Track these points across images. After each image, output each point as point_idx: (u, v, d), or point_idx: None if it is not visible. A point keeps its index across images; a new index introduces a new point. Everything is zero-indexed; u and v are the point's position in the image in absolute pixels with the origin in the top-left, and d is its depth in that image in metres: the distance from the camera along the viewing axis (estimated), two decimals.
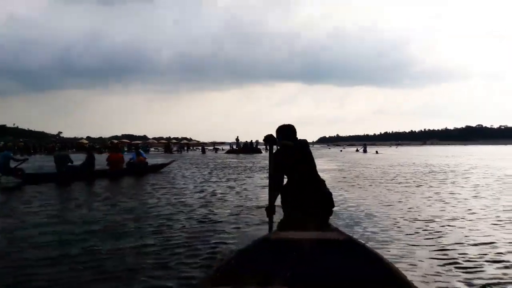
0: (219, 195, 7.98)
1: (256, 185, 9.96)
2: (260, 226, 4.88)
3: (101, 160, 15.18)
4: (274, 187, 3.23)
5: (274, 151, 3.25)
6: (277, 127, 3.38)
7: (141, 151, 15.72)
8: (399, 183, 10.27)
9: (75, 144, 50.54)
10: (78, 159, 13.98)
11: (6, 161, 11.56)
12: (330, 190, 3.29)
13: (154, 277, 3.19)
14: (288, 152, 3.23)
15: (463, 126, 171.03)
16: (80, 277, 3.20)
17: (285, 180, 3.32)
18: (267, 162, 3.28)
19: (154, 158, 24.65)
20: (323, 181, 3.32)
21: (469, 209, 6.15)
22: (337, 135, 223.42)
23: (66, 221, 5.41)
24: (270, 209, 3.19)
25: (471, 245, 4.07)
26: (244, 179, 11.49)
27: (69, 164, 11.85)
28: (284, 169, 3.26)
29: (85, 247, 4.04)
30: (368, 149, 40.65)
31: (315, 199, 3.16)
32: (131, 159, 14.06)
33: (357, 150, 46.41)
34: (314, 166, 3.30)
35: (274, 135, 3.31)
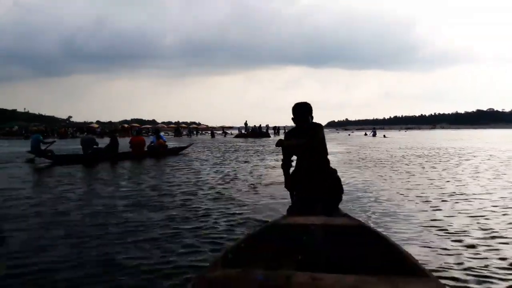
0: (234, 175, 8.64)
1: (267, 166, 10.61)
2: (271, 202, 5.53)
3: (125, 142, 15.97)
4: (286, 168, 3.41)
5: (285, 131, 3.55)
6: (291, 106, 3.27)
7: (162, 135, 16.51)
8: (403, 164, 10.83)
9: (85, 128, 51.46)
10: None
11: (37, 143, 12.49)
12: (338, 173, 3.37)
13: (181, 245, 3.84)
14: (300, 134, 3.23)
15: (474, 110, 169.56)
16: (121, 242, 3.87)
17: (294, 164, 3.40)
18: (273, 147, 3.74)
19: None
20: (333, 168, 3.37)
21: (465, 187, 6.73)
22: (346, 119, 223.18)
23: (97, 197, 6.06)
24: (288, 185, 3.41)
25: (464, 216, 4.67)
26: (256, 162, 12.15)
27: (95, 146, 12.62)
28: (294, 151, 3.33)
29: (119, 218, 4.65)
30: (378, 133, 41.00)
31: (324, 185, 3.21)
32: (152, 142, 14.83)
33: (365, 134, 46.87)
34: (326, 151, 3.32)
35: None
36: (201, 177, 8.28)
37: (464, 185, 7.01)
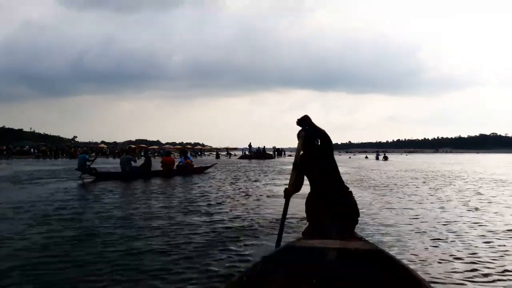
0: (250, 189, 10.49)
1: (275, 184, 12.46)
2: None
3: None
4: (296, 171, 3.42)
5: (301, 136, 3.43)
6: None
7: (189, 155, 18.81)
8: (391, 184, 12.65)
9: (94, 148, 53.61)
10: (101, 162, 16.65)
11: (83, 162, 14.51)
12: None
13: (203, 245, 5.59)
14: (314, 156, 3.39)
15: (477, 134, 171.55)
16: (165, 240, 5.66)
17: (309, 189, 3.49)
18: (282, 167, 5.20)
19: None
20: (349, 190, 3.42)
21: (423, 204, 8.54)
22: (349, 142, 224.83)
23: (134, 207, 7.75)
24: (288, 190, 3.39)
25: (439, 222, 6.49)
26: (265, 180, 14.02)
27: (132, 165, 14.59)
28: (308, 174, 3.46)
29: (156, 223, 6.21)
30: (380, 156, 42.91)
31: (340, 208, 3.24)
32: (180, 162, 16.98)
33: (366, 157, 48.95)
34: (339, 174, 3.41)
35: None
36: (224, 191, 10.14)
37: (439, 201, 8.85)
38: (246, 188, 10.97)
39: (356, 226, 3.37)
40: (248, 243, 4.69)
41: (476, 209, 7.36)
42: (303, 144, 3.42)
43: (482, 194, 9.71)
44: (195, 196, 9.06)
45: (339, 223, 3.14)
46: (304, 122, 3.35)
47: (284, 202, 3.39)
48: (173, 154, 25.21)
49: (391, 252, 3.00)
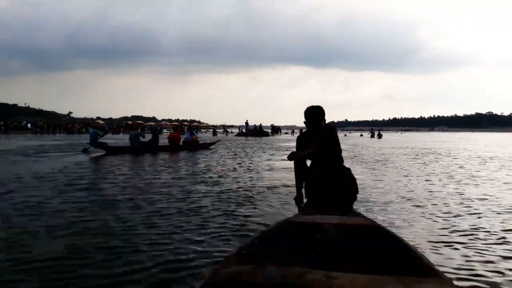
0: (250, 164, 11.22)
1: (275, 159, 13.20)
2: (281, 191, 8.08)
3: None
4: (299, 175, 3.38)
5: (298, 135, 3.42)
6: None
7: (194, 132, 19.73)
8: (381, 160, 13.44)
9: (92, 124, 54.01)
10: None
11: (95, 136, 15.25)
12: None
13: (211, 209, 6.33)
14: (314, 136, 3.33)
15: (473, 113, 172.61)
16: (169, 207, 6.39)
17: (309, 163, 3.48)
18: (279, 144, 5.71)
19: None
20: (347, 168, 3.45)
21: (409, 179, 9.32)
22: (346, 120, 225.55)
23: (143, 178, 8.44)
24: (298, 198, 3.35)
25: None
26: (264, 156, 14.76)
27: (141, 140, 15.53)
28: (309, 154, 3.40)
29: (169, 190, 7.06)
30: (375, 134, 43.78)
31: (339, 184, 3.27)
32: (186, 138, 17.84)
33: (361, 135, 49.91)
34: (340, 151, 3.41)
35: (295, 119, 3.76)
36: (227, 165, 10.88)
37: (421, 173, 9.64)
38: (247, 163, 11.71)
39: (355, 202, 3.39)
40: (249, 207, 5.43)
41: (458, 182, 8.14)
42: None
43: (465, 169, 10.51)
44: (200, 169, 9.79)
45: (337, 199, 3.20)
46: (319, 119, 3.30)
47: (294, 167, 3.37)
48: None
49: (391, 229, 3.04)
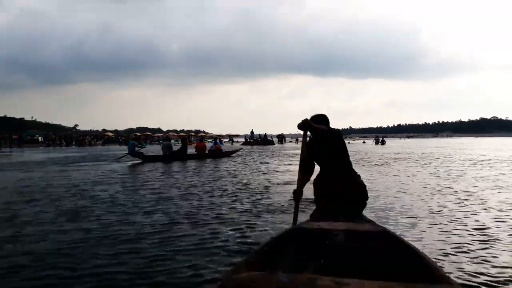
0: (263, 167, 13.15)
1: (285, 164, 15.12)
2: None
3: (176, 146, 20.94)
4: (304, 171, 3.34)
5: (307, 139, 3.32)
6: (310, 116, 3.46)
7: (218, 141, 22.39)
8: (377, 164, 15.32)
9: (131, 137, 56.75)
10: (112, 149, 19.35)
11: (133, 147, 17.91)
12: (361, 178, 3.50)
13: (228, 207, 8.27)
14: (322, 140, 3.38)
15: (477, 118, 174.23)
16: (196, 205, 8.29)
17: (318, 170, 3.53)
18: (285, 151, 7.07)
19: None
20: (357, 174, 3.47)
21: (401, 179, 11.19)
22: (350, 127, 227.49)
23: (175, 182, 10.43)
24: (297, 193, 3.28)
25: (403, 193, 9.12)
26: (274, 162, 16.71)
27: (172, 149, 18.15)
28: (316, 157, 3.47)
29: (189, 193, 8.98)
30: (378, 140, 45.87)
31: (348, 190, 3.30)
32: (211, 147, 20.24)
33: (363, 142, 51.97)
34: (348, 157, 3.47)
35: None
36: (252, 168, 12.82)
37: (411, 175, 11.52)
38: (262, 168, 13.63)
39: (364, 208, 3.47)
40: (260, 197, 7.29)
41: (446, 179, 10.01)
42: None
43: (452, 170, 12.36)
44: (223, 173, 11.74)
45: (347, 206, 3.22)
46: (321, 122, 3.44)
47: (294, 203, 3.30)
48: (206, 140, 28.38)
49: (401, 236, 3.02)
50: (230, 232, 4.59)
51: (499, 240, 4.15)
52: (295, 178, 3.55)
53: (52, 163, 17.32)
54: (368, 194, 3.47)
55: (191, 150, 19.94)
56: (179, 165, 15.04)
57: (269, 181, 9.50)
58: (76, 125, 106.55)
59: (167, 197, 7.27)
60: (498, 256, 3.65)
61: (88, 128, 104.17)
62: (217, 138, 28.61)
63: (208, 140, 40.54)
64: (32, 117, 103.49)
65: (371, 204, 5.63)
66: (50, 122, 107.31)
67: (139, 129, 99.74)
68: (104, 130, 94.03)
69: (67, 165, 15.58)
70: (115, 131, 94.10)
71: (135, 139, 23.91)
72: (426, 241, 4.16)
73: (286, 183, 9.04)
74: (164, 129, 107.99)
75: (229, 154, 20.95)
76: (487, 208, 5.85)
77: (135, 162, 16.78)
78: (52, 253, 3.79)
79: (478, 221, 5.04)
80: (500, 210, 5.70)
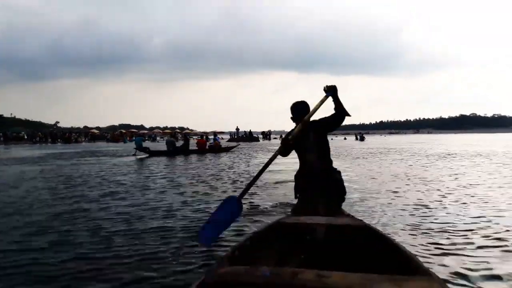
0: (251, 160, 14.98)
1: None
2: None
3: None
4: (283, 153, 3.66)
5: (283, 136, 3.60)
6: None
7: (217, 137, 24.95)
8: (355, 157, 17.35)
9: (88, 134, 57.33)
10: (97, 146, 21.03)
11: (140, 143, 20.50)
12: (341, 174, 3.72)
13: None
14: (310, 131, 3.53)
15: (457, 115, 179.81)
16: (199, 195, 10.09)
17: (298, 164, 3.73)
18: (269, 147, 8.49)
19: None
20: (337, 170, 3.67)
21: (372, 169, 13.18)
22: None
23: (178, 174, 12.19)
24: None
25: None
26: (259, 154, 18.59)
27: (175, 145, 20.42)
28: (299, 149, 3.67)
29: (192, 183, 10.85)
30: (358, 137, 48.61)
31: (329, 185, 3.46)
32: (211, 143, 22.70)
33: (345, 138, 54.76)
34: (328, 152, 3.64)
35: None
36: (246, 161, 14.64)
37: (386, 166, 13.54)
38: (250, 160, 15.46)
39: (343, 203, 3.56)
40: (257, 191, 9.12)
41: (406, 168, 12.01)
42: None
43: (415, 161, 14.42)
44: (223, 165, 13.56)
45: (326, 200, 3.32)
46: (305, 113, 3.56)
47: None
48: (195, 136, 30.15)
49: (379, 228, 3.12)
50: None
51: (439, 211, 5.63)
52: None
53: (53, 158, 18.85)
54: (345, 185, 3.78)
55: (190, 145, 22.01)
56: (182, 159, 16.94)
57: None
58: (57, 122, 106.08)
59: (180, 183, 9.05)
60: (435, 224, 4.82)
61: (69, 125, 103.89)
62: (217, 135, 30.74)
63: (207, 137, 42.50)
64: (11, 114, 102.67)
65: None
66: (30, 119, 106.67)
67: (122, 126, 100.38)
68: (86, 127, 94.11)
69: (70, 160, 17.13)
70: (97, 128, 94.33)
71: (141, 135, 26.78)
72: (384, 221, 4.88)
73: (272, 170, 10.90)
74: (147, 126, 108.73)
75: (227, 149, 22.89)
76: (429, 189, 7.79)
77: (142, 156, 18.85)
78: (111, 219, 5.53)
79: (420, 199, 6.74)
80: (438, 191, 7.66)
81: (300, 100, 3.75)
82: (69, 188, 8.25)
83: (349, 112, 3.66)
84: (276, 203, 6.08)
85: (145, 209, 5.88)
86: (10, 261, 3.59)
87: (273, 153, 3.56)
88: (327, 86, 3.43)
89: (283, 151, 3.63)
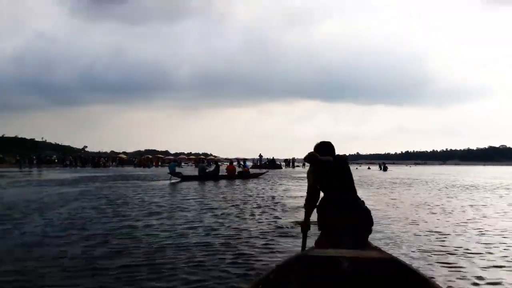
0: (278, 186, 15.66)
1: (294, 184, 17.65)
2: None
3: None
4: (310, 204, 3.49)
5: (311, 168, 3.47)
6: (315, 144, 3.55)
7: (247, 165, 26.78)
8: (376, 187, 17.78)
9: (116, 158, 59.44)
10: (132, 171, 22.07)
11: (174, 168, 21.78)
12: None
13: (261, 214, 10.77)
14: (326, 168, 3.40)
15: (486, 146, 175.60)
16: (232, 219, 10.79)
17: (322, 195, 3.56)
18: (292, 175, 9.06)
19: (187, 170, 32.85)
20: (361, 199, 3.51)
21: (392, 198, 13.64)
22: (357, 153, 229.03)
23: (210, 198, 12.89)
24: (305, 225, 3.47)
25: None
26: (286, 182, 19.30)
27: (206, 170, 21.90)
28: (321, 184, 3.51)
29: (224, 206, 11.57)
30: (382, 167, 48.67)
31: (353, 217, 3.31)
32: (240, 169, 23.95)
33: (368, 168, 54.83)
34: (353, 183, 3.50)
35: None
36: (274, 187, 15.36)
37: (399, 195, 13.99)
38: (275, 186, 16.15)
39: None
40: (283, 202, 9.78)
41: (426, 199, 12.44)
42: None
43: (438, 192, 14.77)
44: (250, 191, 14.33)
45: (352, 232, 3.22)
46: (328, 154, 3.46)
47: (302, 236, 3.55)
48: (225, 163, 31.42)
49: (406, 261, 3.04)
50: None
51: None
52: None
53: (88, 180, 20.05)
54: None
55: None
56: (212, 184, 17.99)
57: (283, 194, 12.03)
58: (85, 146, 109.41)
59: (213, 206, 9.83)
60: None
61: (96, 150, 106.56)
62: (245, 162, 31.95)
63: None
64: (42, 138, 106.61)
65: None
66: (60, 143, 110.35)
67: (147, 151, 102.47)
68: (113, 152, 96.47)
69: (104, 183, 18.25)
70: (124, 153, 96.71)
71: (175, 161, 30.21)
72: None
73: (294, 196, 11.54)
74: (172, 151, 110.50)
75: (256, 176, 23.80)
76: (448, 216, 8.29)
77: (175, 180, 19.98)
78: (156, 234, 6.32)
79: (438, 227, 7.47)
80: (452, 216, 8.15)
81: (324, 141, 3.66)
82: (113, 208, 9.18)
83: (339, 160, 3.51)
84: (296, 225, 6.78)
85: (185, 228, 6.68)
86: (80, 264, 4.44)
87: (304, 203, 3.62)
88: (304, 157, 3.23)
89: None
